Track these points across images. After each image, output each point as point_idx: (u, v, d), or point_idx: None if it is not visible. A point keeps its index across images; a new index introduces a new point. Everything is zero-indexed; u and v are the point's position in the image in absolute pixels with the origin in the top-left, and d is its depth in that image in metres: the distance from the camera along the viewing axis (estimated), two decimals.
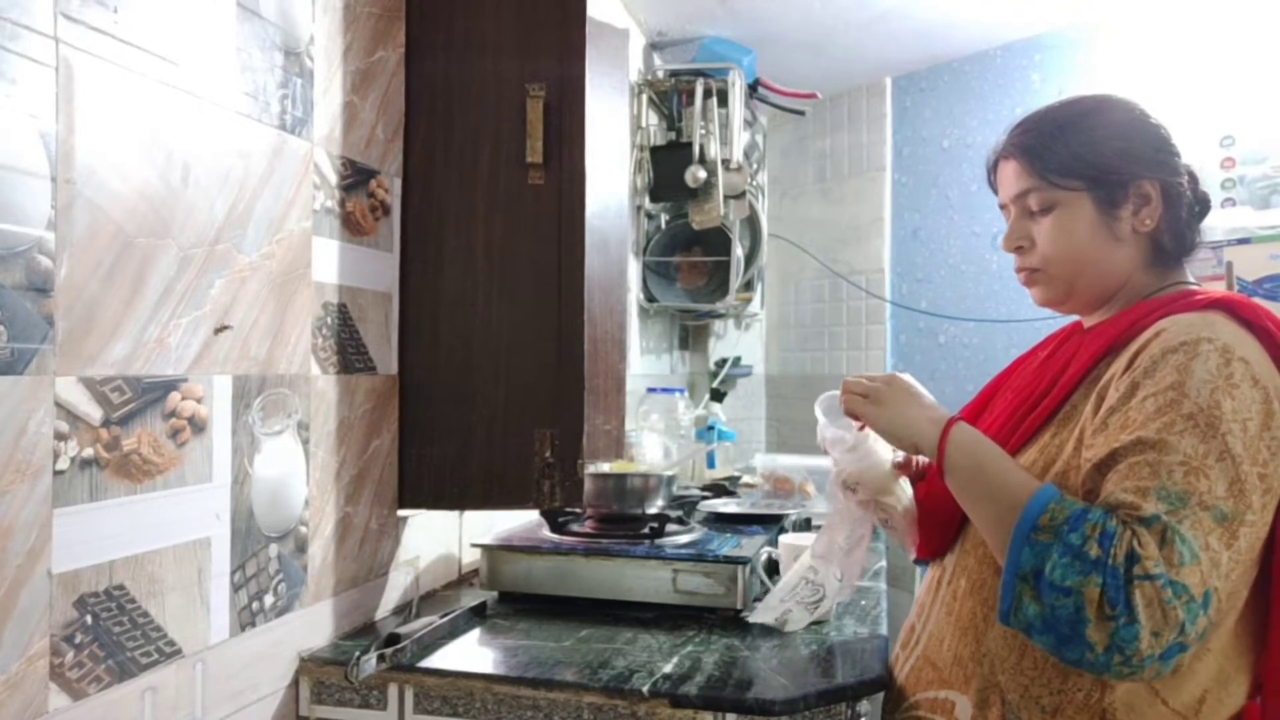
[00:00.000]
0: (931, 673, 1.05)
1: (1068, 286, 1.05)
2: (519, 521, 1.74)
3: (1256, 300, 0.99)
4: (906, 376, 1.11)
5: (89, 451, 0.92)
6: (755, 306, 3.17)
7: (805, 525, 2.11)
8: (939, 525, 1.10)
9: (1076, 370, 1.00)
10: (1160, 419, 0.85)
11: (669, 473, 1.72)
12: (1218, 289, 1.04)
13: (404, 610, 1.46)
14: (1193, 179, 1.05)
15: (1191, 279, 1.05)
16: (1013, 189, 1.07)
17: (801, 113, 3.18)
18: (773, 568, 1.64)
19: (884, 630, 1.38)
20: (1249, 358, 0.88)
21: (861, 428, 1.11)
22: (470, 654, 1.26)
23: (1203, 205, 1.05)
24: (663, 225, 2.80)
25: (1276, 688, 0.90)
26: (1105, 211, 1.01)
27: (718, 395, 3.18)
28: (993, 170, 1.12)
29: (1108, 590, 0.79)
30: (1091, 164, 1.01)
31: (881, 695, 1.19)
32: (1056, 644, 0.83)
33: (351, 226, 1.35)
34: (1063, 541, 0.82)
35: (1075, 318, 1.15)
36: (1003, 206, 1.11)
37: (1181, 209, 1.02)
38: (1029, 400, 1.05)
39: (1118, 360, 0.95)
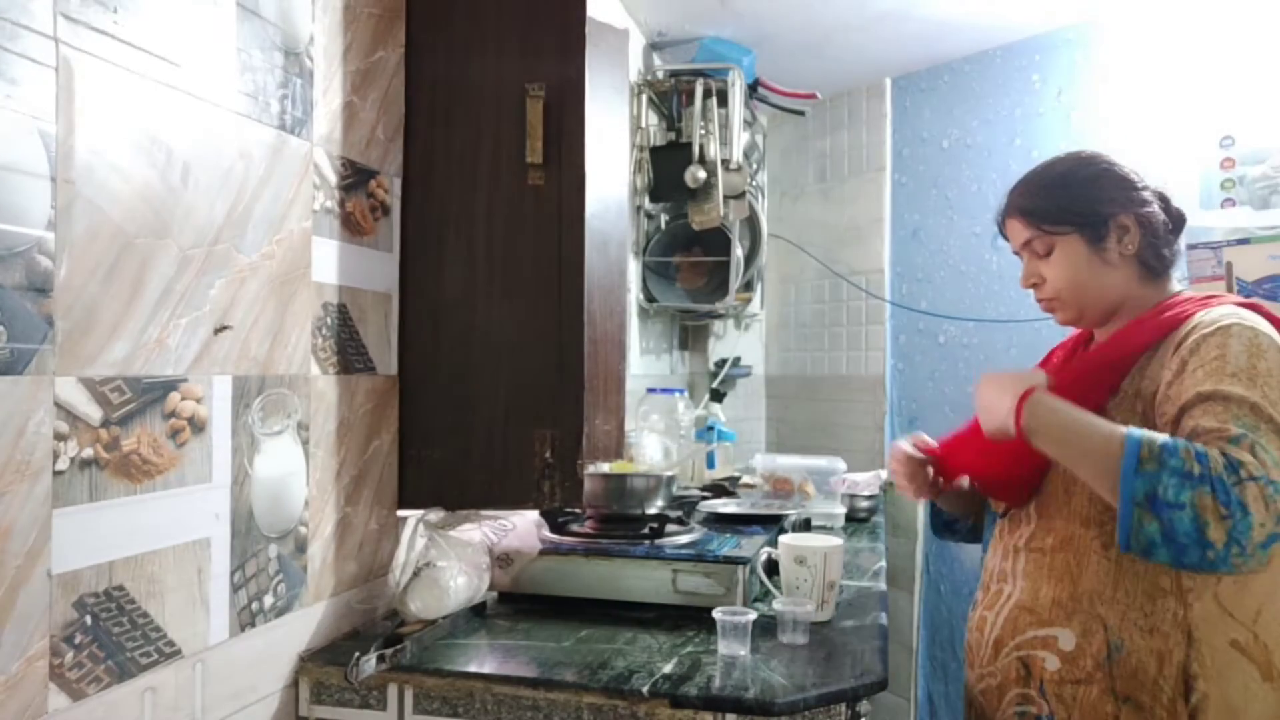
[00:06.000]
0: (1029, 617, 1.21)
1: (1079, 308, 1.27)
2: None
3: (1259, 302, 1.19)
4: (986, 379, 1.24)
5: (89, 452, 0.92)
6: (755, 307, 3.17)
7: (805, 525, 2.11)
8: (1018, 485, 1.27)
9: (1129, 353, 1.18)
10: (1211, 379, 1.06)
11: (669, 473, 1.72)
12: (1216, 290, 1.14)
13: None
14: (1164, 200, 1.26)
15: (1179, 287, 1.27)
16: (1019, 239, 1.30)
17: (801, 113, 3.18)
18: (773, 568, 1.64)
19: (884, 630, 1.38)
20: (1271, 333, 1.11)
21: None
22: (470, 654, 1.26)
23: (1177, 222, 1.26)
24: (663, 225, 2.80)
25: None
26: (1094, 245, 1.23)
27: (717, 395, 3.18)
28: (1002, 225, 1.35)
29: (1219, 495, 0.96)
30: (1076, 211, 1.24)
31: (879, 694, 1.20)
32: (1178, 553, 0.99)
33: (351, 226, 1.35)
34: (1167, 467, 0.99)
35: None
36: (1016, 252, 1.33)
37: (1158, 231, 1.23)
38: (1082, 380, 1.20)
39: (1161, 350, 1.16)
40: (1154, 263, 1.24)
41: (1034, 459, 1.18)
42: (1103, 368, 1.20)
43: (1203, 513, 0.96)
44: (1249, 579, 1.09)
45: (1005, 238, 1.35)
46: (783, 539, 1.46)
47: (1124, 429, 1.05)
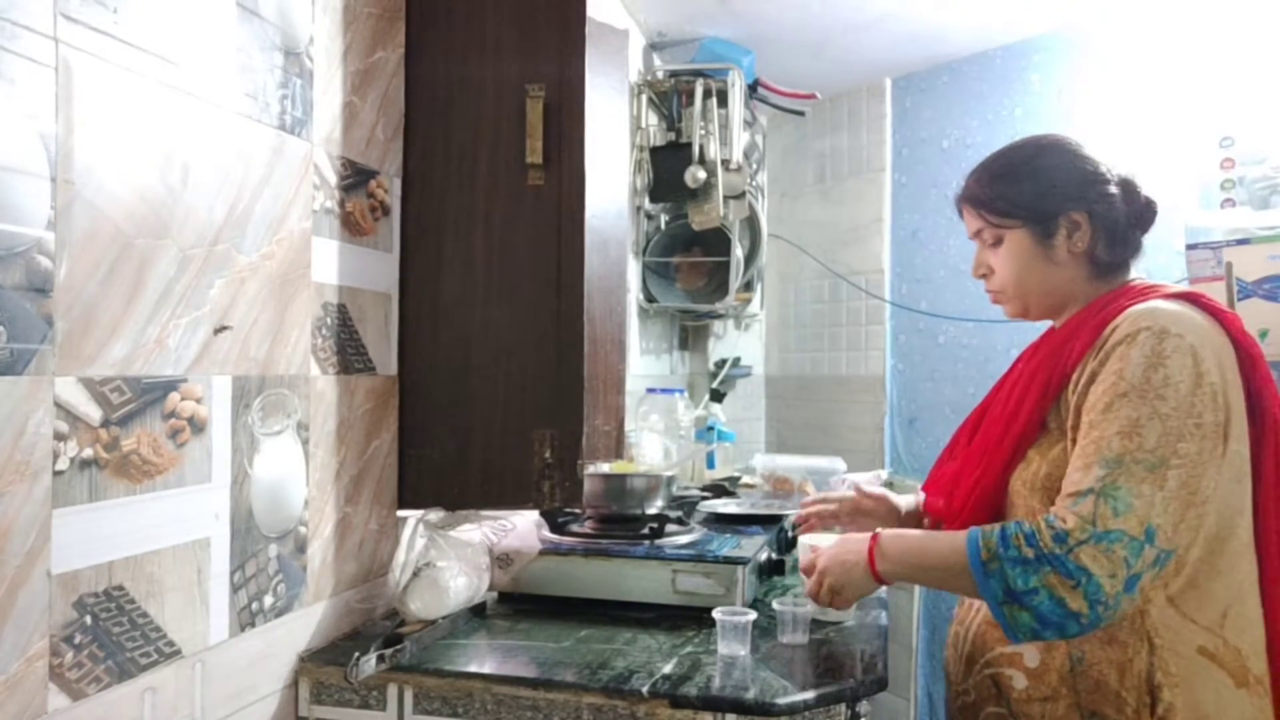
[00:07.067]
0: (996, 632, 1.18)
1: (1023, 303, 1.25)
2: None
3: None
4: (822, 555, 1.25)
5: (88, 452, 0.92)
6: (755, 307, 3.17)
7: None
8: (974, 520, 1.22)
9: (1069, 368, 1.15)
10: (1104, 400, 1.06)
11: (669, 473, 1.72)
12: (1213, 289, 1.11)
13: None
14: (1129, 189, 1.19)
15: (1134, 277, 1.22)
16: (971, 228, 1.28)
17: (801, 113, 3.17)
18: (774, 568, 1.64)
19: (884, 630, 1.38)
20: (1184, 332, 1.06)
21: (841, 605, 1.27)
22: (470, 654, 1.26)
23: (1142, 212, 1.20)
24: (662, 225, 2.80)
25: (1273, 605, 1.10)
26: (1041, 241, 1.20)
27: (717, 395, 3.18)
28: (959, 211, 1.31)
29: (1059, 569, 0.99)
30: (1023, 205, 1.20)
31: (879, 694, 1.20)
32: (1059, 630, 1.01)
33: (351, 227, 1.35)
34: (1006, 559, 1.02)
35: (1048, 323, 1.30)
36: (972, 239, 1.30)
37: (1116, 226, 1.18)
38: (1027, 394, 1.19)
39: (1088, 356, 1.12)
40: (1106, 259, 1.19)
41: (966, 492, 1.21)
42: (1043, 378, 1.17)
43: (1055, 589, 0.99)
44: (1207, 583, 1.06)
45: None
46: (803, 538, 1.44)
47: (962, 538, 1.07)
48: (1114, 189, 1.18)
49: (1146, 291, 1.15)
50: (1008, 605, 1.02)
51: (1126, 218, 1.19)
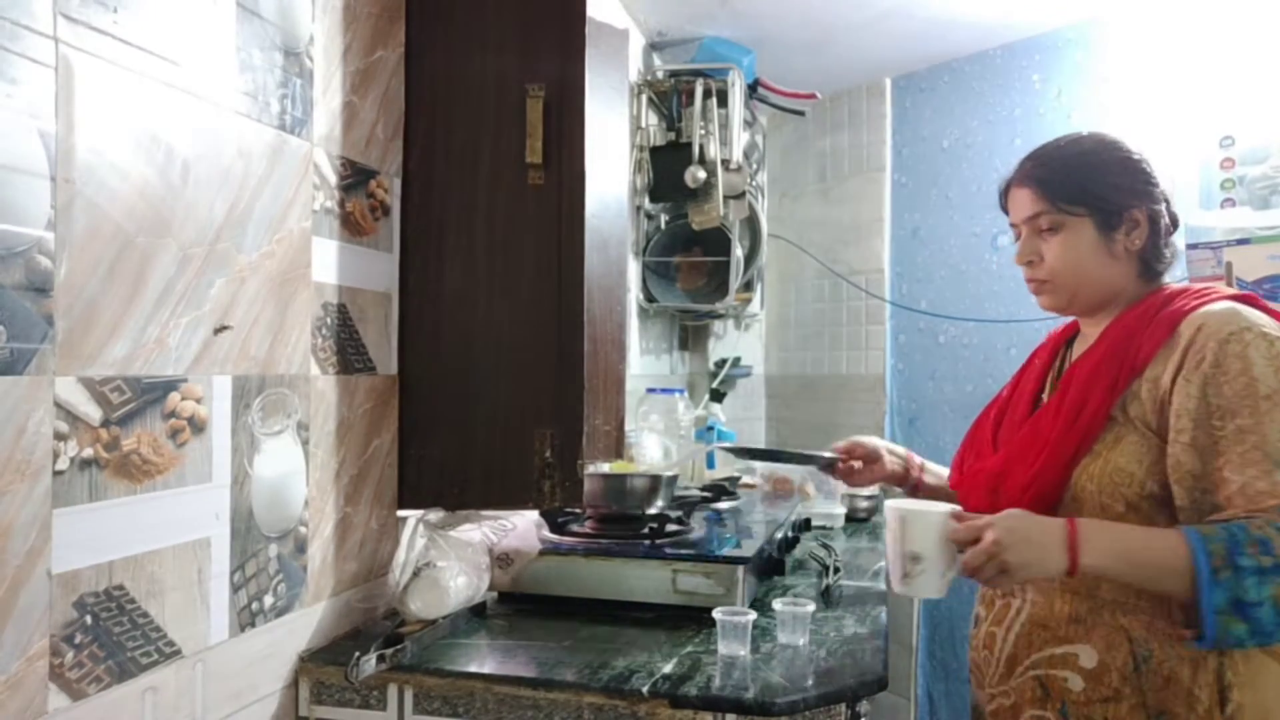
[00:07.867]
0: (1044, 633, 1.17)
1: (1070, 295, 1.24)
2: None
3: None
4: (994, 526, 1.08)
5: (89, 451, 0.92)
6: (755, 307, 3.17)
7: (805, 526, 2.11)
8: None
9: (1138, 364, 1.14)
10: (1246, 403, 1.04)
11: (669, 473, 1.72)
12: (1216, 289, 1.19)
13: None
14: (1167, 202, 1.23)
15: (1168, 283, 1.26)
16: (1025, 211, 1.25)
17: (801, 113, 3.18)
18: (774, 567, 1.64)
19: (884, 630, 1.38)
20: (1275, 334, 1.07)
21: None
22: (470, 654, 1.25)
23: (1174, 223, 1.25)
24: (662, 225, 2.80)
25: None
26: (1103, 234, 1.20)
27: (717, 395, 3.18)
28: (1005, 194, 1.30)
29: None
30: (1093, 194, 1.20)
31: (879, 694, 1.19)
32: (1264, 640, 1.00)
33: (351, 226, 1.35)
34: (1242, 569, 0.98)
35: (1069, 319, 1.33)
36: (1014, 226, 1.28)
37: (1163, 231, 1.22)
38: (1086, 394, 1.17)
39: (1162, 353, 1.12)
40: (1154, 262, 1.22)
41: (1022, 486, 1.17)
42: (1109, 373, 1.15)
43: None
44: None
45: (1004, 209, 1.31)
46: (889, 503, 1.22)
47: (1182, 538, 1.02)
48: (1162, 194, 1.22)
49: (1204, 293, 1.17)
50: (1225, 615, 0.99)
51: (1168, 225, 1.23)
